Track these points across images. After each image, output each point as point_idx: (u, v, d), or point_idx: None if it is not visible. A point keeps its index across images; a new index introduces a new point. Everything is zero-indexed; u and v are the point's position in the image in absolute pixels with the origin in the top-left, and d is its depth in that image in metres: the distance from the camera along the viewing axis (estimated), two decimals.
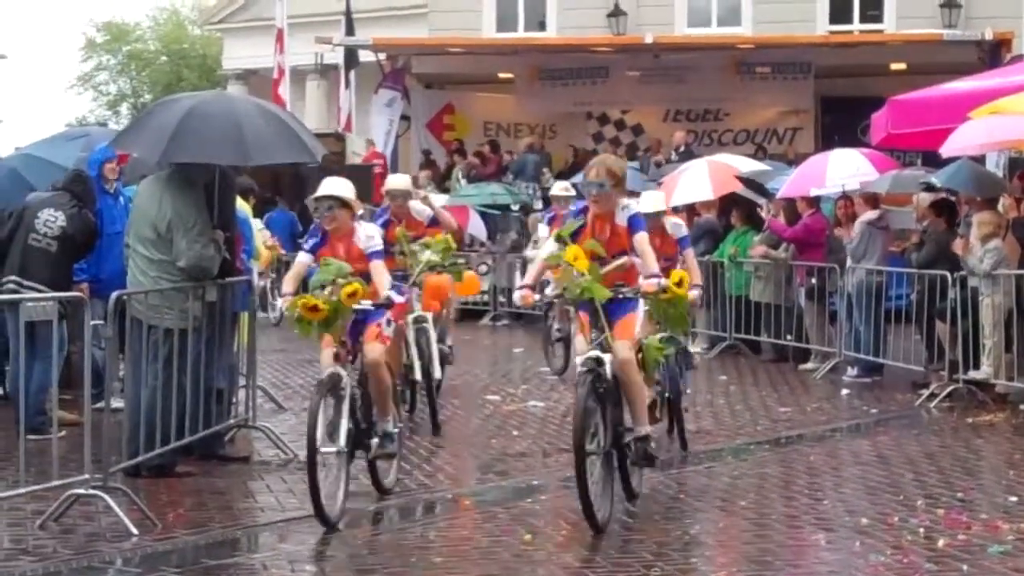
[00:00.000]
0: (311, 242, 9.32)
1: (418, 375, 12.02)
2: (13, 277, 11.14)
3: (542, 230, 19.54)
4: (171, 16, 56.95)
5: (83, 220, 11.36)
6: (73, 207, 11.31)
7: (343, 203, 9.21)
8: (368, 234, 9.29)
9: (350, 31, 28.72)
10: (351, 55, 28.36)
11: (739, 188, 18.24)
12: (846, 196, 15.98)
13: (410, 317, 11.85)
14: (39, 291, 10.71)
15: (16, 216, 11.46)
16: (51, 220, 11.23)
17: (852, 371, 15.12)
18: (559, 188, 16.25)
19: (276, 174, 23.71)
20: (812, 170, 16.81)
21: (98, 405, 8.98)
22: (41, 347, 10.25)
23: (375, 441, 8.99)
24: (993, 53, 23.63)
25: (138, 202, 10.18)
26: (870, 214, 15.39)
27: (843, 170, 16.12)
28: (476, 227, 23.28)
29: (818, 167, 16.72)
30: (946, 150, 13.44)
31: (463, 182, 25.88)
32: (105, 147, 11.90)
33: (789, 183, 16.76)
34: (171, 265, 9.83)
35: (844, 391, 14.35)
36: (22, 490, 8.44)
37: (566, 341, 14.41)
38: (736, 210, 18.08)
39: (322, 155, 10.87)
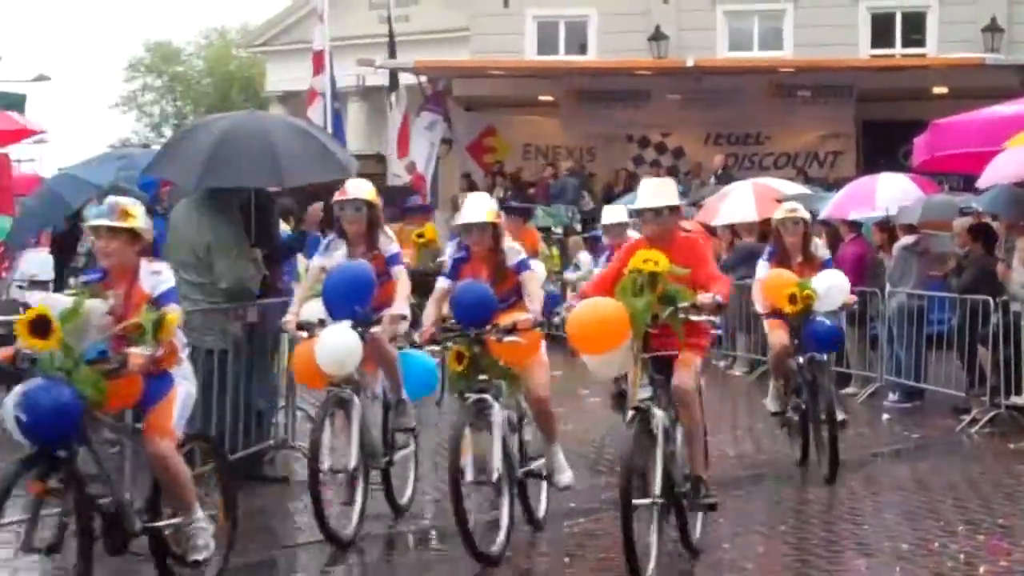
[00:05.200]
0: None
1: None
2: None
3: (583, 257, 19.63)
4: (218, 38, 57.40)
5: None
6: None
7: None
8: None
9: (392, 54, 28.75)
10: (392, 78, 28.41)
11: None
12: (887, 220, 15.90)
13: None
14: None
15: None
16: None
17: (893, 396, 15.01)
18: (613, 215, 13.15)
19: (318, 191, 23.70)
20: (860, 192, 16.71)
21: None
22: None
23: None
24: None
25: (175, 226, 10.21)
26: (907, 239, 15.30)
27: (891, 193, 16.05)
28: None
29: (866, 189, 16.62)
30: (983, 183, 13.41)
31: None
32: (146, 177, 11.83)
33: (833, 204, 16.64)
34: (213, 287, 9.88)
35: (885, 416, 14.26)
36: None
37: None
38: None
39: (356, 169, 10.88)
